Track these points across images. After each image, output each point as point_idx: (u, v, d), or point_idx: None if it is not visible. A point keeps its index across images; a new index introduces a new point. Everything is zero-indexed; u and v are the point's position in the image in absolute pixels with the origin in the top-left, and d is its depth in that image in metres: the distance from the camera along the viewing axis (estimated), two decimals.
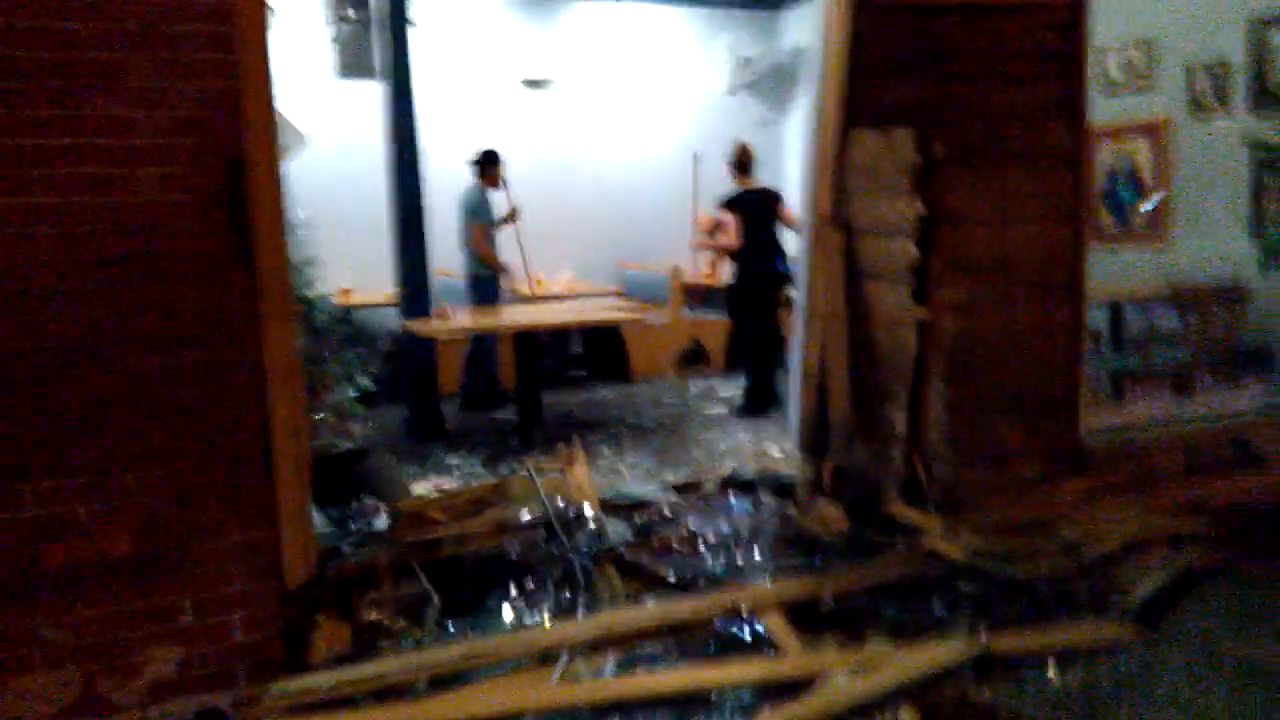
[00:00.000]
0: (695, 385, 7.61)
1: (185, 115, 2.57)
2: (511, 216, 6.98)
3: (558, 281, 8.54)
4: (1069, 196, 3.64)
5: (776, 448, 5.29)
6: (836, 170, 3.72)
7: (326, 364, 3.70)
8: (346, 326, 4.06)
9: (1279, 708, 2.69)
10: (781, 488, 4.20)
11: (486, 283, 6.74)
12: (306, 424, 2.82)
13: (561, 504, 3.58)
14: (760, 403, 6.39)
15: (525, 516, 3.47)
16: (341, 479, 3.41)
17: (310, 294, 4.00)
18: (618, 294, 8.81)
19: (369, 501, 3.38)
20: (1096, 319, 5.78)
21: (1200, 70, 5.87)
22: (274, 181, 2.73)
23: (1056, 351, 3.71)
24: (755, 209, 6.41)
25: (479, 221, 6.61)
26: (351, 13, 6.79)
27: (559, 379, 8.13)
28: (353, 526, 3.30)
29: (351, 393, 3.71)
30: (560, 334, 8.23)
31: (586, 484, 3.86)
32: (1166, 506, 3.72)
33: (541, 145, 8.62)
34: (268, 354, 2.71)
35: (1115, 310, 5.51)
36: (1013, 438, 3.73)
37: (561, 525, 3.44)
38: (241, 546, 2.67)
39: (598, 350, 8.54)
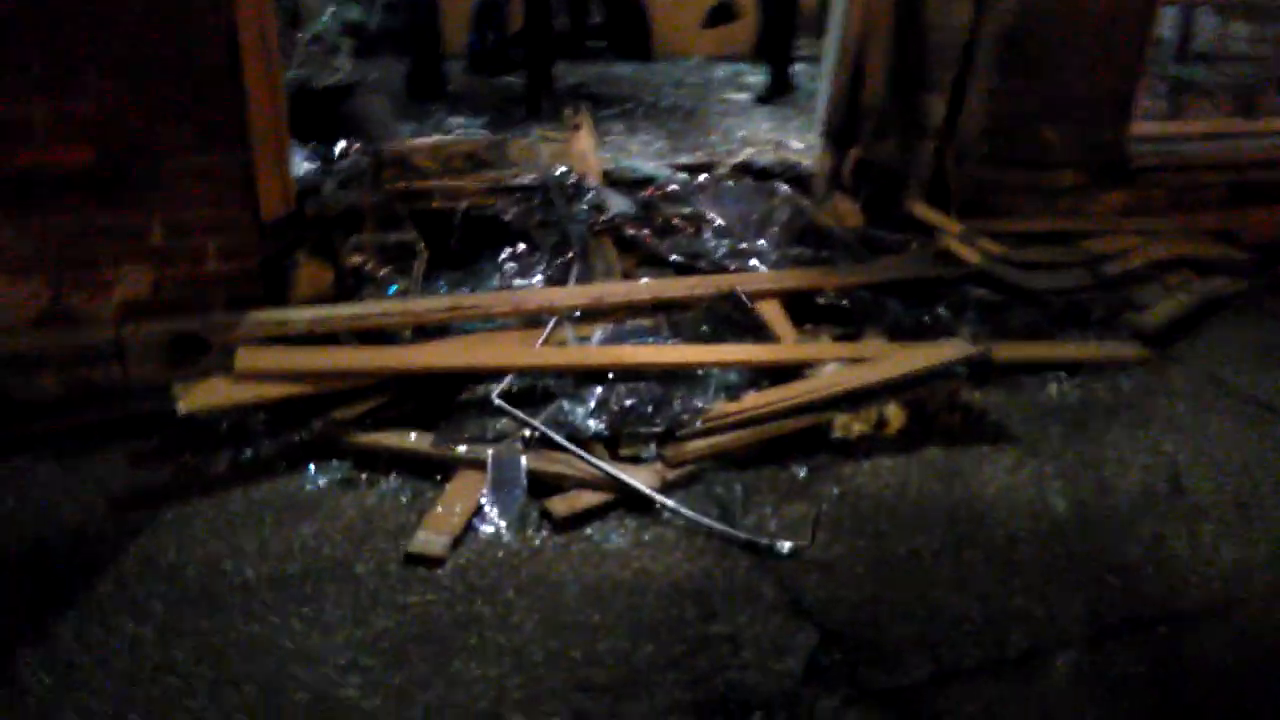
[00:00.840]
0: (721, 68, 7.12)
1: None
2: None
3: None
4: None
5: (798, 140, 4.97)
6: None
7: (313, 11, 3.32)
8: None
9: (1275, 443, 2.64)
10: (798, 179, 3.94)
11: None
12: (276, 43, 2.52)
13: (563, 171, 3.36)
14: (783, 89, 5.99)
15: (523, 180, 3.27)
16: (325, 115, 3.16)
17: None
18: None
19: (354, 141, 3.14)
20: (1168, 24, 5.25)
21: None
22: None
23: (1122, 45, 3.31)
24: None
25: None
26: None
27: (575, 49, 7.58)
28: (337, 166, 3.09)
29: (335, 25, 3.35)
30: (579, 4, 7.57)
31: (591, 154, 3.62)
32: (1202, 229, 3.51)
33: None
34: None
35: (1187, 12, 4.96)
36: (1054, 140, 3.43)
37: (561, 192, 3.24)
38: (213, 169, 2.49)
39: (619, 19, 7.90)
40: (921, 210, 3.44)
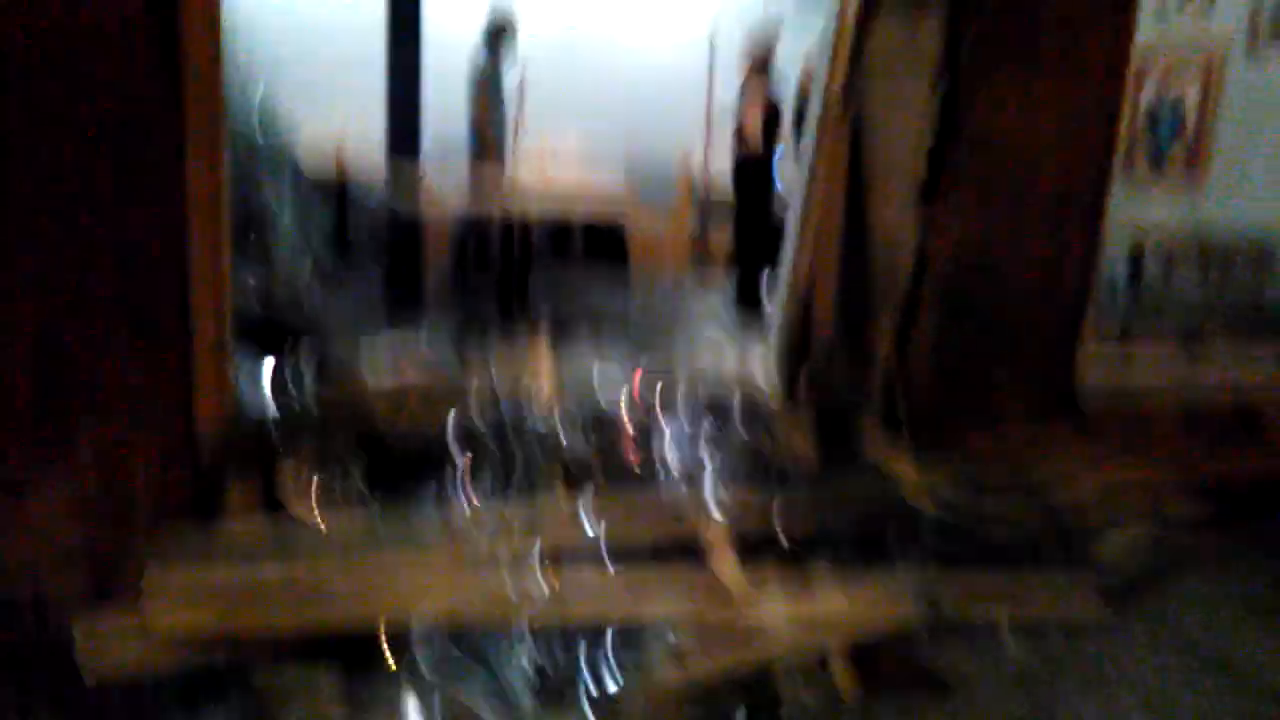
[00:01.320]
0: (693, 278, 7.39)
1: None
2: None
3: (562, 163, 8.18)
4: (1100, 119, 3.29)
5: (761, 354, 5.05)
6: (852, 59, 3.35)
7: (280, 210, 3.43)
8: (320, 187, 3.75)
9: (1248, 707, 2.49)
10: (754, 402, 3.97)
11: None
12: (228, 267, 2.57)
13: (515, 395, 3.37)
14: (751, 299, 6.19)
15: (478, 412, 3.26)
16: (285, 324, 3.19)
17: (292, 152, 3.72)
18: (623, 183, 8.45)
19: (307, 354, 3.15)
20: (1115, 261, 5.46)
21: None
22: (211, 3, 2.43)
23: (1065, 285, 3.42)
24: (778, 110, 6.09)
25: (479, 89, 6.22)
26: None
27: (556, 266, 7.86)
28: (285, 379, 3.09)
29: (305, 232, 3.46)
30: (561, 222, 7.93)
31: (546, 376, 3.64)
32: (1157, 474, 3.48)
33: (556, 18, 8.14)
34: (189, 184, 2.46)
35: (1136, 253, 5.18)
36: (1004, 375, 3.47)
37: (512, 416, 3.23)
38: (150, 390, 2.47)
39: (598, 231, 8.24)
40: (873, 440, 3.43)
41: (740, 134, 6.14)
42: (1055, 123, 3.27)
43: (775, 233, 6.03)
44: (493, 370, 3.63)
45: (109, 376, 2.42)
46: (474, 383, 3.50)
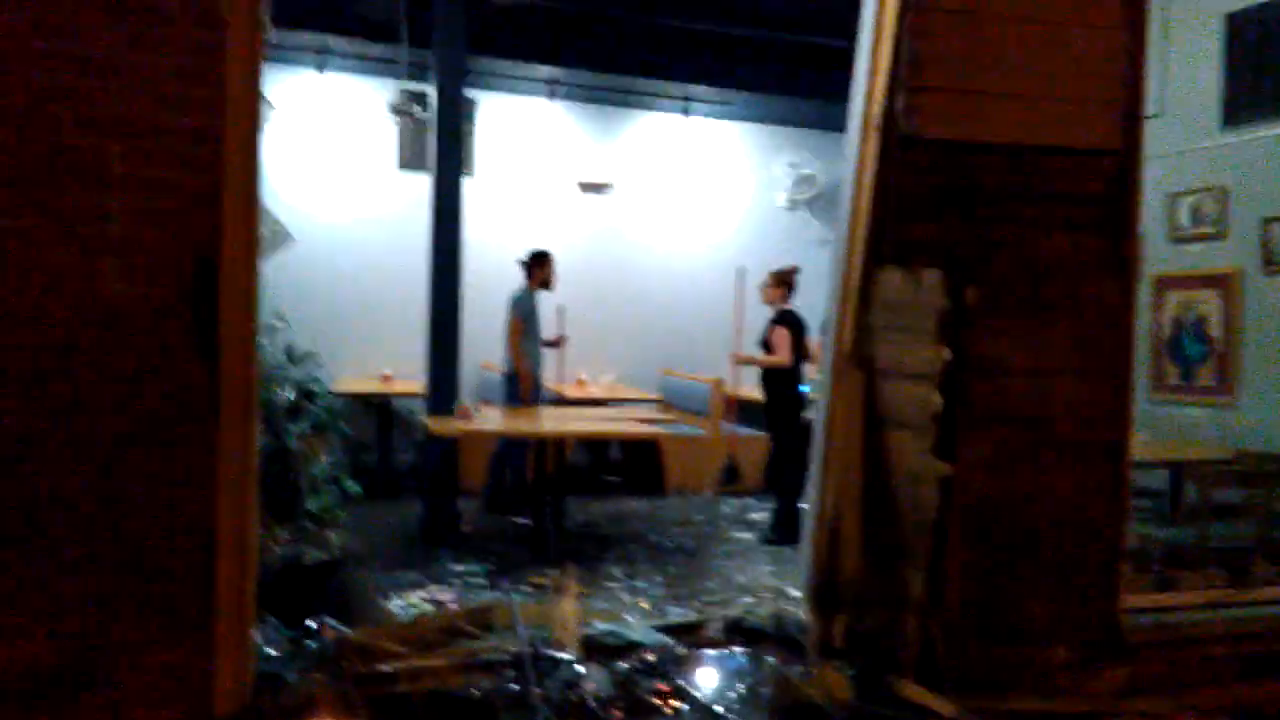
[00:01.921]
0: (728, 505, 7.32)
1: (160, 207, 2.50)
2: (558, 342, 6.92)
3: (599, 384, 8.40)
4: (1113, 353, 3.35)
5: (797, 587, 4.95)
6: (860, 308, 3.49)
7: (314, 463, 3.55)
8: (342, 422, 3.91)
9: None
10: (789, 641, 3.87)
11: (536, 380, 6.61)
12: (256, 539, 2.65)
13: (541, 640, 3.33)
14: (789, 532, 6.08)
15: (497, 652, 3.22)
16: (306, 594, 3.22)
17: (313, 388, 3.89)
18: (659, 402, 8.63)
19: (330, 621, 3.16)
20: (1156, 481, 5.39)
21: (1275, 224, 5.55)
22: (248, 281, 2.63)
23: (1094, 520, 3.36)
24: (804, 329, 6.27)
25: (516, 315, 6.52)
26: (416, 109, 6.91)
27: (594, 484, 7.93)
28: (309, 647, 3.09)
29: (331, 498, 3.54)
30: (599, 439, 8.06)
31: (573, 618, 3.60)
32: (1212, 710, 3.29)
33: (595, 249, 8.62)
34: (220, 461, 2.57)
35: (1176, 473, 5.10)
36: (1042, 614, 3.36)
37: (535, 666, 3.18)
38: (171, 667, 2.49)
39: (634, 458, 8.33)
40: (911, 689, 3.29)
41: (768, 350, 6.30)
42: (1066, 360, 3.34)
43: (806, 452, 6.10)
44: (518, 609, 3.61)
45: (129, 654, 2.45)
46: (497, 616, 3.47)
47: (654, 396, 8.62)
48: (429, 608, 4.19)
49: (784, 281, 6.40)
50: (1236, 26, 5.87)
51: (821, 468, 3.71)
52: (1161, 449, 5.06)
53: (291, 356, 3.85)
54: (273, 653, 2.90)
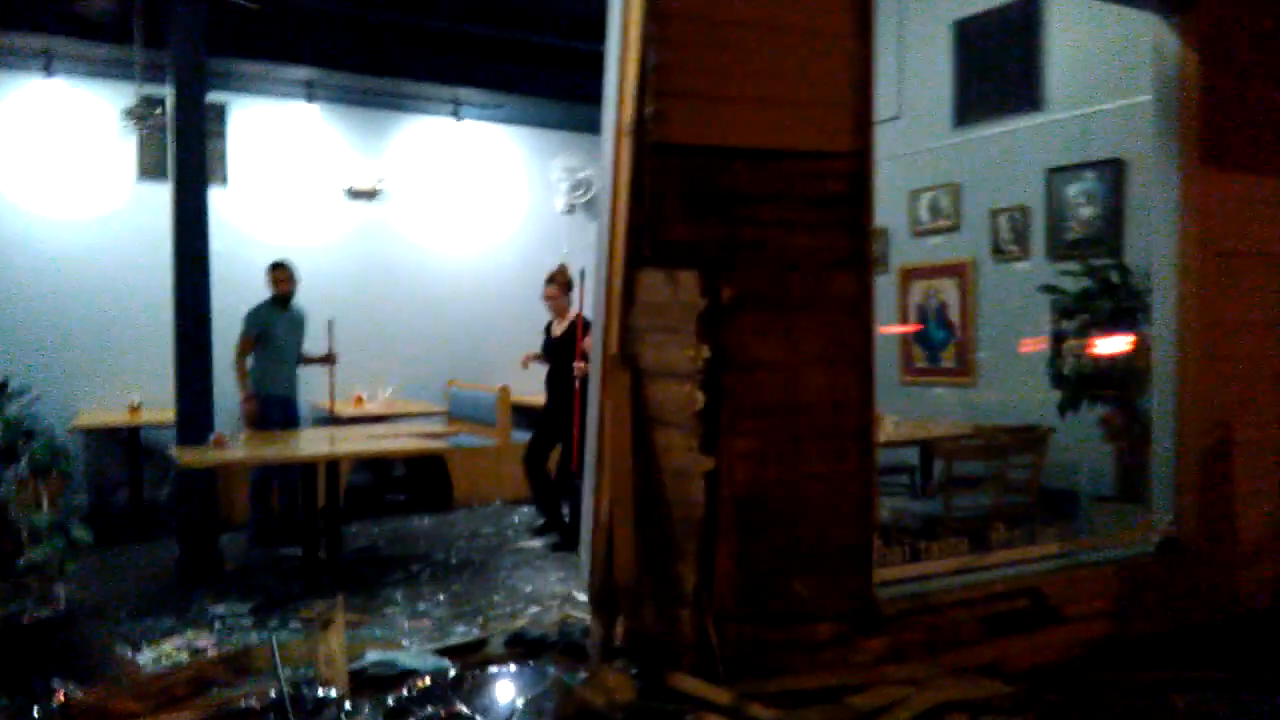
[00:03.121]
0: (519, 514, 7.23)
1: None
2: (328, 359, 6.60)
3: (378, 401, 8.08)
4: (856, 344, 3.54)
5: (583, 591, 4.95)
6: (624, 309, 3.52)
7: (35, 511, 3.16)
8: (66, 462, 3.51)
9: None
10: (574, 647, 3.85)
11: (275, 401, 6.25)
12: None
13: (305, 680, 3.12)
14: (562, 531, 6.18)
15: (253, 699, 2.99)
16: (28, 655, 2.86)
17: (29, 426, 3.48)
18: (444, 414, 8.42)
19: (60, 686, 2.82)
20: (910, 458, 5.79)
21: (1002, 215, 6.11)
22: None
23: (847, 502, 3.55)
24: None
25: (243, 331, 6.21)
26: (155, 114, 6.36)
27: (377, 504, 7.62)
28: (33, 714, 2.74)
29: (53, 547, 3.17)
30: (379, 458, 7.75)
31: (339, 653, 3.40)
32: (964, 668, 3.55)
33: (368, 258, 8.29)
34: None
35: (925, 450, 5.50)
36: (807, 595, 3.51)
37: (296, 709, 2.97)
38: None
39: (420, 474, 8.08)
40: (689, 682, 3.34)
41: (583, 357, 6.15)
42: (814, 352, 3.50)
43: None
44: (277, 648, 3.37)
45: None
46: (256, 659, 3.23)
47: (439, 409, 8.40)
48: (184, 656, 3.84)
49: (562, 281, 6.39)
50: (964, 33, 6.41)
51: (595, 469, 3.71)
52: (910, 429, 5.44)
53: (4, 394, 3.42)
54: None
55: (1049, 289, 5.55)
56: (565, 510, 6.27)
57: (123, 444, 6.80)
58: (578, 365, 5.97)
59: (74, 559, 3.31)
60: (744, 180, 3.41)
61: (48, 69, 6.99)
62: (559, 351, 6.32)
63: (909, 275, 6.64)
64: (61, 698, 2.76)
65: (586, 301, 5.98)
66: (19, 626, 2.93)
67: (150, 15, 6.17)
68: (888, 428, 5.20)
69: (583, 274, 6.19)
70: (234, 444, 5.16)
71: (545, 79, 8.05)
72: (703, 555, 3.47)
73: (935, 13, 6.54)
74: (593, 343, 3.90)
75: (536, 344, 6.64)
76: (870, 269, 3.61)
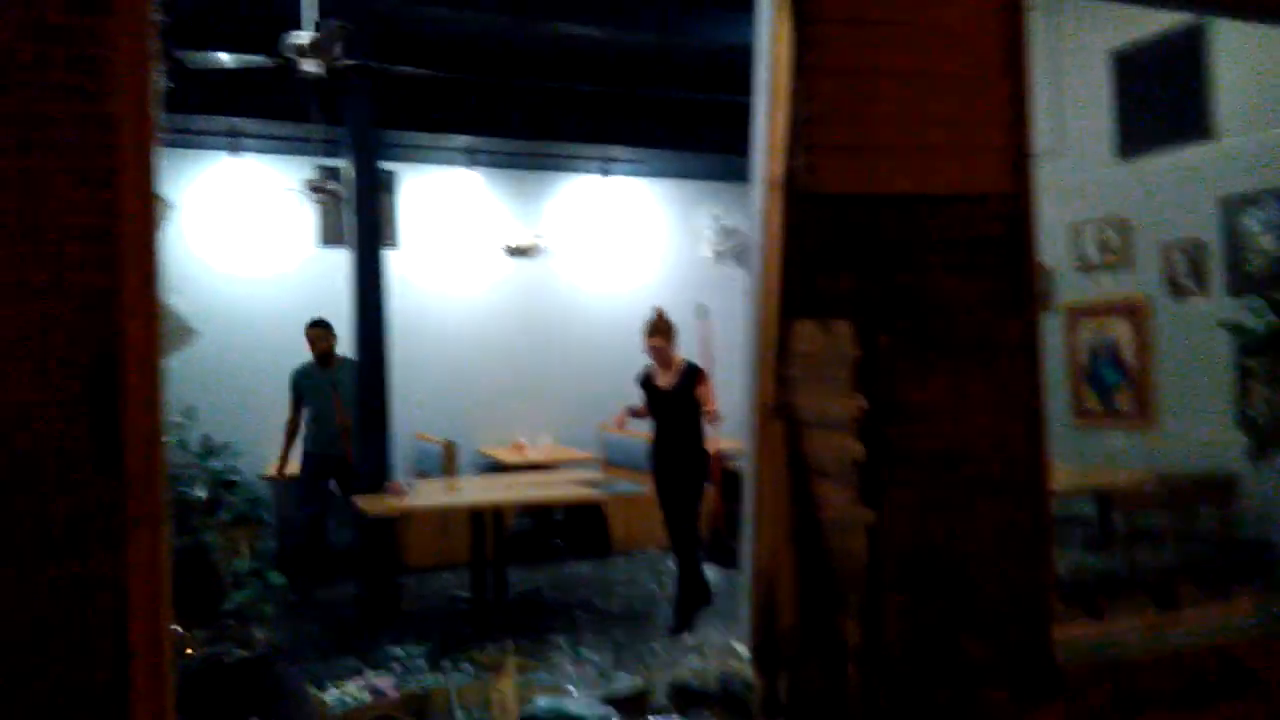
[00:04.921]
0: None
1: (56, 311, 2.44)
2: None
3: (538, 448, 8.34)
4: (1023, 390, 3.42)
5: (745, 644, 4.92)
6: (778, 360, 3.53)
7: (236, 558, 3.45)
8: (263, 511, 3.81)
9: None
10: (735, 702, 3.83)
11: (320, 459, 6.45)
12: (170, 642, 2.55)
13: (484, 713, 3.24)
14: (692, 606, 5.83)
15: None
16: (229, 695, 3.10)
17: (233, 478, 3.80)
18: (600, 461, 8.59)
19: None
20: (1085, 508, 5.49)
21: (1174, 248, 5.78)
22: (150, 379, 2.56)
23: (1020, 557, 3.40)
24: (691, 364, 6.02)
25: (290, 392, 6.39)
26: (332, 185, 6.89)
27: (538, 549, 7.83)
28: None
29: (253, 592, 3.43)
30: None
31: (511, 697, 3.52)
32: None
33: (526, 311, 8.63)
34: (132, 567, 2.48)
35: (1102, 499, 5.21)
36: (979, 654, 3.37)
37: None
38: None
39: (578, 519, 8.25)
40: None
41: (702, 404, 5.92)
42: (978, 400, 3.40)
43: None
44: (455, 692, 3.52)
45: None
46: (435, 701, 3.38)
47: (594, 456, 8.58)
48: (367, 696, 4.06)
49: (664, 329, 5.99)
50: (1122, 63, 6.16)
51: (753, 523, 3.71)
52: (1085, 477, 5.16)
53: (208, 449, 3.76)
54: None
55: (1231, 326, 5.19)
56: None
57: (314, 491, 7.26)
58: (709, 412, 5.65)
59: (270, 603, 3.57)
60: (899, 227, 3.38)
61: (234, 149, 7.69)
62: (669, 404, 5.89)
63: (1076, 314, 6.35)
64: None
65: (708, 344, 5.88)
66: (222, 666, 3.18)
67: (326, 94, 6.71)
68: (1059, 475, 4.96)
69: (703, 311, 5.88)
70: (410, 490, 5.46)
71: (689, 133, 8.24)
72: (866, 611, 3.40)
73: (1090, 45, 6.31)
74: (746, 396, 3.92)
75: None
76: (1036, 311, 3.49)
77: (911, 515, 3.38)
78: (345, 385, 6.48)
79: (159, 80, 2.80)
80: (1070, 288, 6.42)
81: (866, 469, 3.35)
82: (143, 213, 2.62)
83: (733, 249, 9.11)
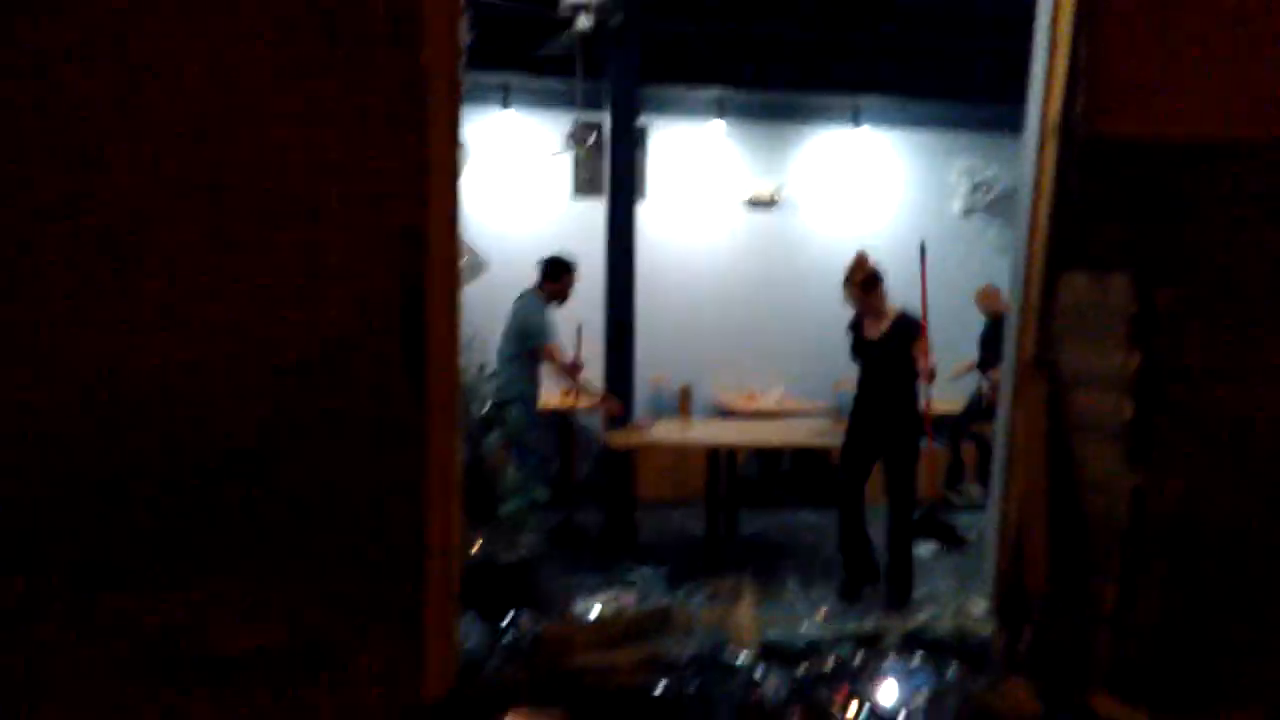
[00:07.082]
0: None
1: (372, 243, 2.78)
2: (572, 368, 6.43)
3: (769, 398, 8.45)
4: None
5: (982, 603, 4.84)
6: (1042, 315, 3.41)
7: (505, 473, 3.81)
8: (536, 432, 4.16)
9: None
10: (972, 654, 3.80)
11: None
12: (459, 540, 2.89)
13: (718, 645, 3.43)
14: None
15: (679, 652, 3.36)
16: (500, 591, 3.46)
17: (501, 399, 4.17)
18: (831, 414, 8.59)
19: (525, 616, 3.38)
20: None
21: None
22: (450, 307, 2.89)
23: None
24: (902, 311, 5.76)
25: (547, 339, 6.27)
26: (590, 138, 7.23)
27: (764, 495, 7.98)
28: (507, 640, 3.32)
29: (521, 503, 3.79)
30: (770, 451, 8.11)
31: (750, 624, 3.68)
32: None
33: (765, 264, 8.70)
34: (429, 471, 2.82)
35: None
36: (1243, 635, 3.17)
37: (713, 668, 3.29)
38: (387, 653, 2.75)
39: (806, 470, 8.32)
40: (1104, 702, 3.18)
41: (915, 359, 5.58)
42: (1275, 363, 3.16)
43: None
44: (698, 611, 3.72)
45: (354, 640, 2.73)
46: (678, 617, 3.60)
47: (828, 408, 8.59)
48: (612, 608, 4.37)
49: (860, 279, 5.60)
50: None
51: (1004, 478, 3.64)
52: None
53: (484, 373, 4.14)
54: (472, 645, 3.14)
55: None
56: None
57: (556, 425, 7.78)
58: (924, 363, 5.32)
59: (532, 515, 3.92)
60: (1189, 176, 3.16)
61: (504, 102, 8.21)
62: (876, 356, 5.61)
63: None
64: (525, 628, 3.31)
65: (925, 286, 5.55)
66: (496, 567, 3.54)
67: (590, 50, 7.02)
68: None
69: (923, 249, 5.48)
70: (651, 428, 5.76)
71: (945, 79, 7.92)
72: (1124, 575, 3.28)
73: None
74: (1006, 349, 3.82)
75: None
76: None
77: (1183, 482, 3.20)
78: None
79: (464, 34, 3.09)
80: None
81: (1137, 429, 3.20)
82: (449, 158, 2.92)
83: (985, 203, 8.73)
